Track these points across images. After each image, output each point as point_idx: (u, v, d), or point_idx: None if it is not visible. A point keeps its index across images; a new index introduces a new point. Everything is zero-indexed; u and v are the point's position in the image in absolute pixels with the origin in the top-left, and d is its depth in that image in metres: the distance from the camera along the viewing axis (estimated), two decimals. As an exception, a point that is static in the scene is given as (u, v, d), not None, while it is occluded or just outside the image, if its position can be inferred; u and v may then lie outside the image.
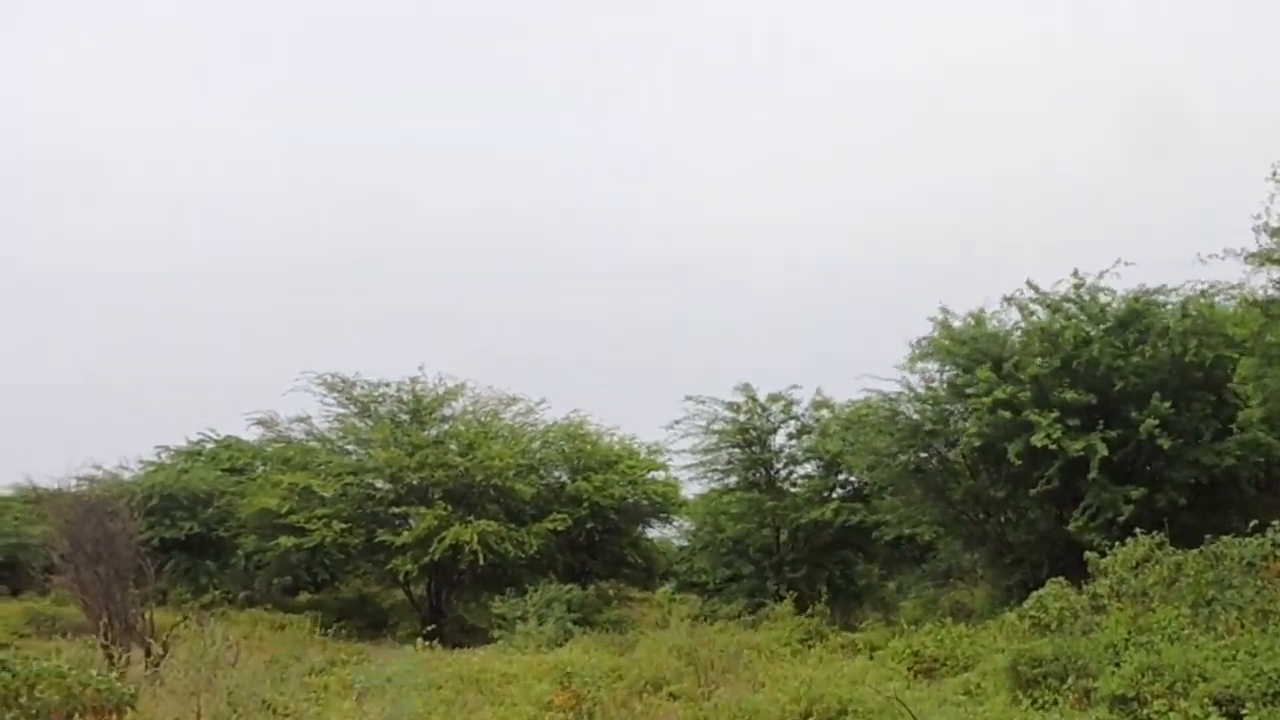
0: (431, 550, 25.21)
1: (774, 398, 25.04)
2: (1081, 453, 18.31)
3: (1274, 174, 14.61)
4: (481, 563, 25.15)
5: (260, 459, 33.08)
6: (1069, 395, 18.70)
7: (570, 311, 61.20)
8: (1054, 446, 18.34)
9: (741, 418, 25.00)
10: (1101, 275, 19.86)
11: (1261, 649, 10.98)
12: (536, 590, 23.42)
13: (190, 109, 67.71)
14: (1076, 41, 62.86)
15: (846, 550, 25.50)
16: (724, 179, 67.53)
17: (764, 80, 68.44)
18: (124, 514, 19.89)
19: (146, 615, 18.25)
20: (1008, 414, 18.82)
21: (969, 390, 19.72)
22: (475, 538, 25.04)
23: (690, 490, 29.42)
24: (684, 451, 26.43)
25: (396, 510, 26.88)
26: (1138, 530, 15.62)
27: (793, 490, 25.59)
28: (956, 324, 20.92)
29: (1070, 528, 18.79)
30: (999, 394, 18.89)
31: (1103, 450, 18.22)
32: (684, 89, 69.47)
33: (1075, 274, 20.02)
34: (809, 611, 20.88)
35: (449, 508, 26.01)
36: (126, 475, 31.26)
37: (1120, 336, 19.33)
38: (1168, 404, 18.32)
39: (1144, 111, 56.09)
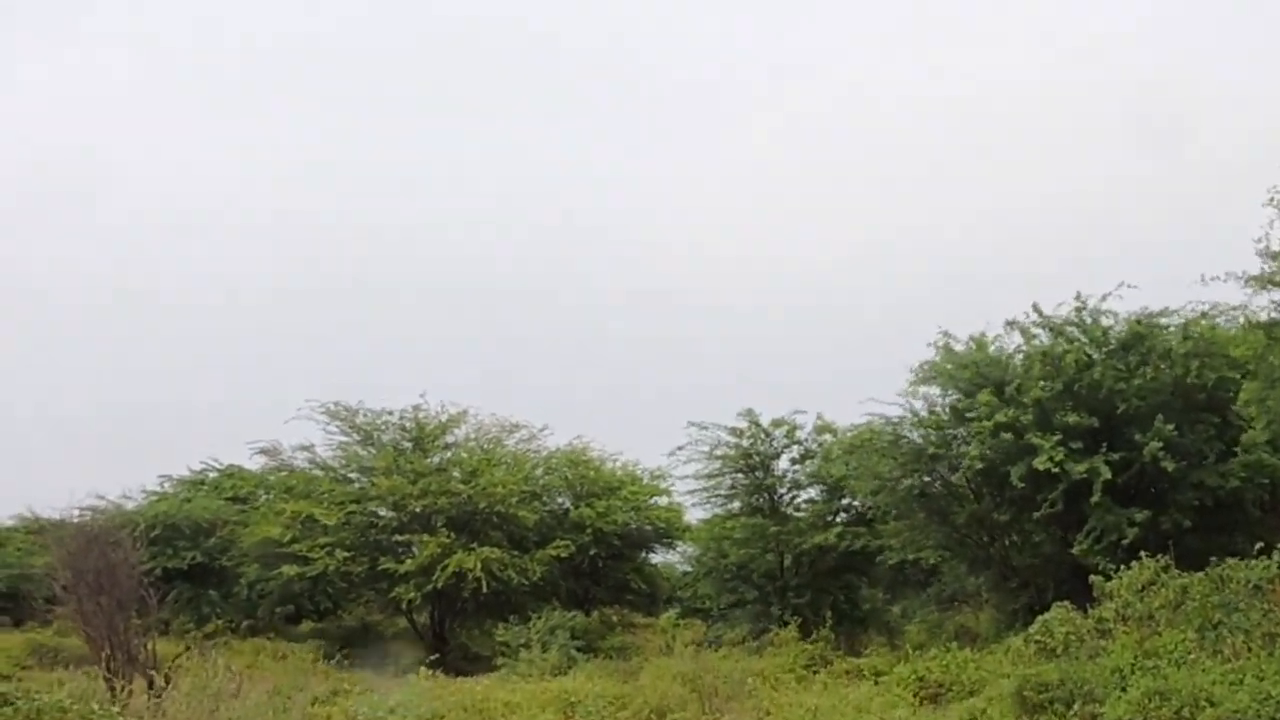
0: (435, 578, 25.15)
1: (777, 423, 25.00)
2: (1084, 475, 18.26)
3: (1271, 199, 14.64)
4: (485, 590, 25.10)
5: (263, 488, 33.07)
6: (1071, 418, 18.66)
7: (571, 337, 61.31)
8: (1057, 469, 18.28)
9: (745, 443, 24.94)
10: (1104, 298, 19.88)
11: (1269, 673, 10.93)
12: (540, 617, 23.34)
13: (195, 133, 68.05)
14: (1081, 60, 63.11)
15: (851, 575, 25.40)
16: (727, 201, 67.69)
17: (764, 104, 68.65)
18: (126, 544, 19.87)
19: (149, 645, 18.20)
20: (1010, 437, 18.79)
21: (970, 414, 19.70)
22: (478, 565, 24.99)
23: (693, 515, 29.36)
24: (687, 477, 26.39)
25: (399, 538, 26.80)
26: (1143, 553, 15.57)
27: (796, 515, 25.49)
28: (958, 348, 20.92)
29: (1075, 551, 18.72)
30: (1000, 417, 18.86)
31: (1106, 473, 18.17)
32: (684, 115, 69.79)
33: (1078, 297, 20.05)
34: (813, 637, 20.78)
35: (452, 535, 25.96)
36: (130, 505, 31.26)
37: (1123, 359, 19.31)
38: (1171, 426, 18.28)
39: (1149, 126, 56.28)
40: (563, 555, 27.10)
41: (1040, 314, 20.14)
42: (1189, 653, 12.53)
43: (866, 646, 21.77)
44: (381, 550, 26.75)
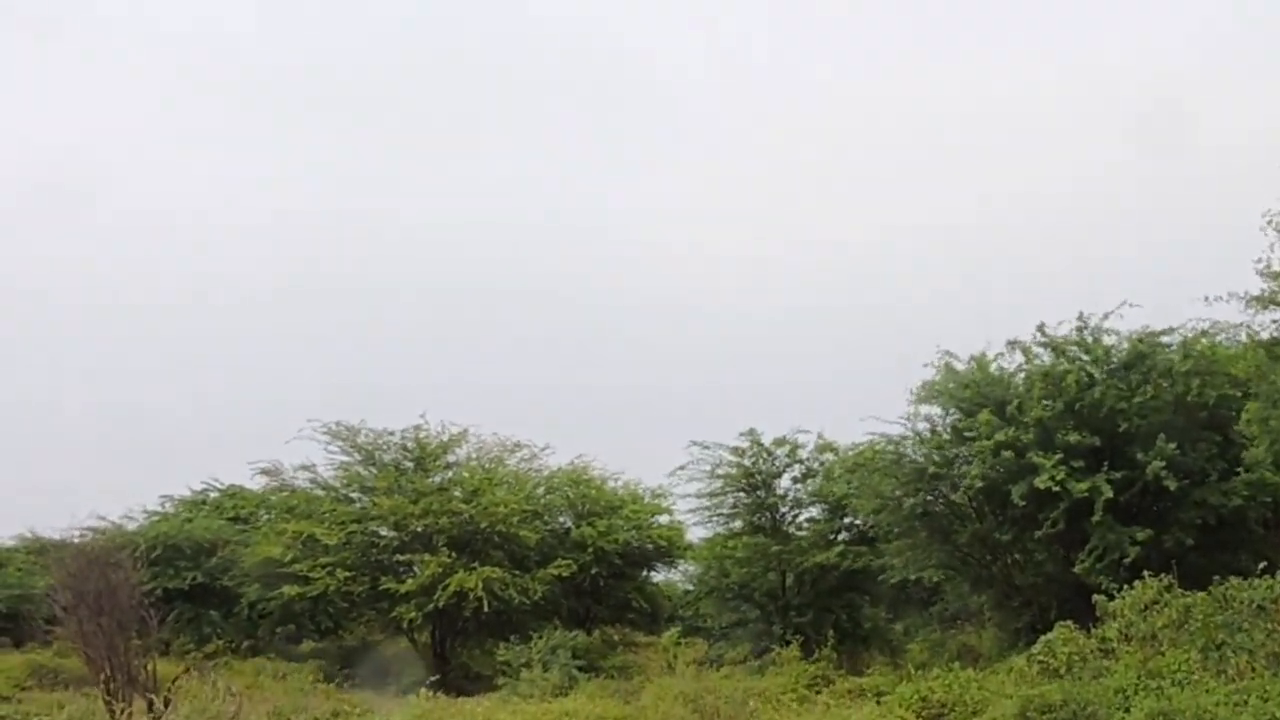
0: (436, 597, 25.11)
1: (779, 442, 24.97)
2: (1086, 494, 18.22)
3: (1270, 222, 14.66)
4: (486, 609, 25.03)
5: (264, 508, 33.09)
6: (1073, 437, 18.64)
7: (569, 353, 61.33)
8: (1058, 488, 18.26)
9: (746, 462, 24.91)
10: (1106, 317, 19.90)
11: (1273, 694, 10.90)
12: (541, 637, 23.26)
13: (191, 145, 68.25)
14: (1080, 60, 63.26)
15: (853, 593, 25.32)
16: (718, 212, 67.87)
17: (764, 110, 68.84)
18: (127, 565, 19.87)
19: (149, 666, 18.18)
20: (1010, 456, 18.77)
21: (970, 434, 19.69)
22: (479, 584, 24.93)
23: (695, 534, 29.32)
24: (688, 496, 26.36)
25: (401, 558, 26.78)
26: (1145, 572, 15.55)
27: (798, 534, 25.45)
28: (959, 367, 20.93)
29: (1077, 570, 18.68)
30: (1001, 436, 18.85)
31: (1107, 491, 18.14)
32: (684, 123, 69.91)
33: (1080, 316, 20.06)
34: (815, 656, 20.71)
35: (453, 555, 25.91)
36: (131, 525, 31.26)
37: (1124, 378, 19.31)
38: (1173, 445, 18.25)
39: (1149, 128, 56.37)
40: (564, 574, 27.03)
41: (1043, 333, 20.15)
42: (1193, 673, 12.51)
43: (869, 665, 21.69)
44: (383, 570, 26.70)
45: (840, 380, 48.46)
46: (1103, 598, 15.58)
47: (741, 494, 25.42)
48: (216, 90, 68.38)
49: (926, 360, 21.10)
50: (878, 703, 15.74)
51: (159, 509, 33.31)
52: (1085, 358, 19.78)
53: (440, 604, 25.13)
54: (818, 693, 17.78)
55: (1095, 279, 50.01)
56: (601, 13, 69.14)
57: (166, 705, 15.13)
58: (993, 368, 20.80)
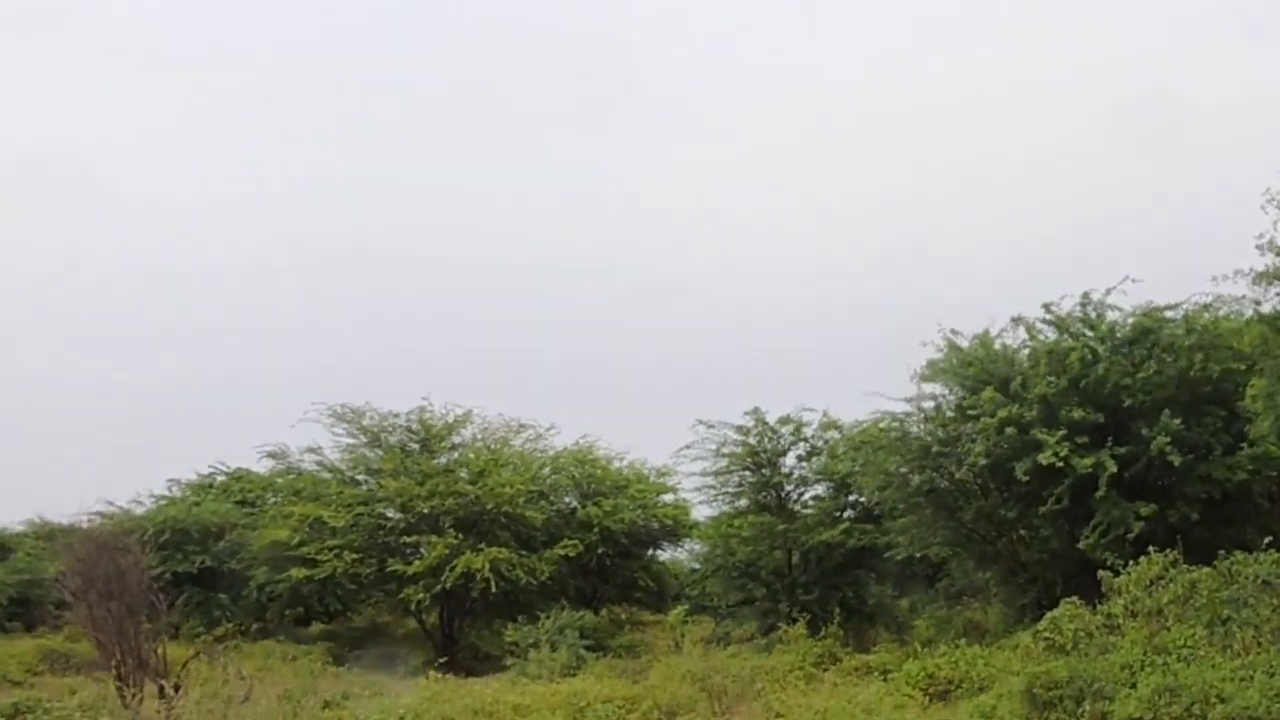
0: (443, 579, 25.23)
1: (783, 420, 24.98)
2: (1090, 470, 18.24)
3: (1271, 200, 14.58)
4: (493, 590, 25.16)
5: (271, 491, 33.19)
6: (1077, 414, 18.64)
7: (574, 333, 61.22)
8: (1062, 465, 18.29)
9: (751, 441, 24.93)
10: (1108, 292, 19.86)
11: (1279, 668, 10.91)
12: (549, 617, 23.37)
13: (190, 132, 68.09)
14: (1071, 44, 62.93)
15: (859, 571, 25.36)
16: (721, 196, 67.62)
17: (760, 91, 68.50)
18: (135, 549, 20.02)
19: (159, 650, 18.31)
20: (1014, 433, 18.78)
21: (974, 411, 19.69)
22: (486, 565, 25.05)
23: (700, 512, 29.38)
24: (693, 475, 26.41)
25: (408, 539, 26.87)
26: (1150, 547, 15.56)
27: (804, 512, 25.51)
28: (963, 343, 20.89)
29: (1081, 545, 18.71)
30: (1004, 414, 18.85)
31: (1112, 467, 18.17)
32: (680, 105, 69.55)
33: (1084, 296, 20.02)
34: (822, 634, 20.78)
35: (460, 536, 26.02)
36: (138, 510, 31.40)
37: (1128, 354, 19.29)
38: (1177, 420, 18.26)
39: (1141, 111, 56.12)
40: (570, 554, 27.15)
41: (1048, 310, 20.12)
42: (1198, 648, 12.53)
43: (875, 642, 21.76)
44: (390, 552, 26.82)
45: (843, 355, 48.46)
46: (1108, 573, 15.59)
47: (747, 472, 25.45)
48: (218, 83, 68.09)
49: (928, 339, 21.13)
50: (884, 680, 15.82)
51: (166, 493, 33.48)
52: (1089, 334, 19.75)
53: (448, 585, 25.25)
54: (825, 670, 17.86)
55: (1102, 257, 50.00)
56: (604, 11, 68.79)
57: (177, 689, 15.22)
58: (996, 345, 20.77)
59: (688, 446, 25.30)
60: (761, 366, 51.35)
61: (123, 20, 67.18)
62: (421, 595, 25.72)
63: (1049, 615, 15.47)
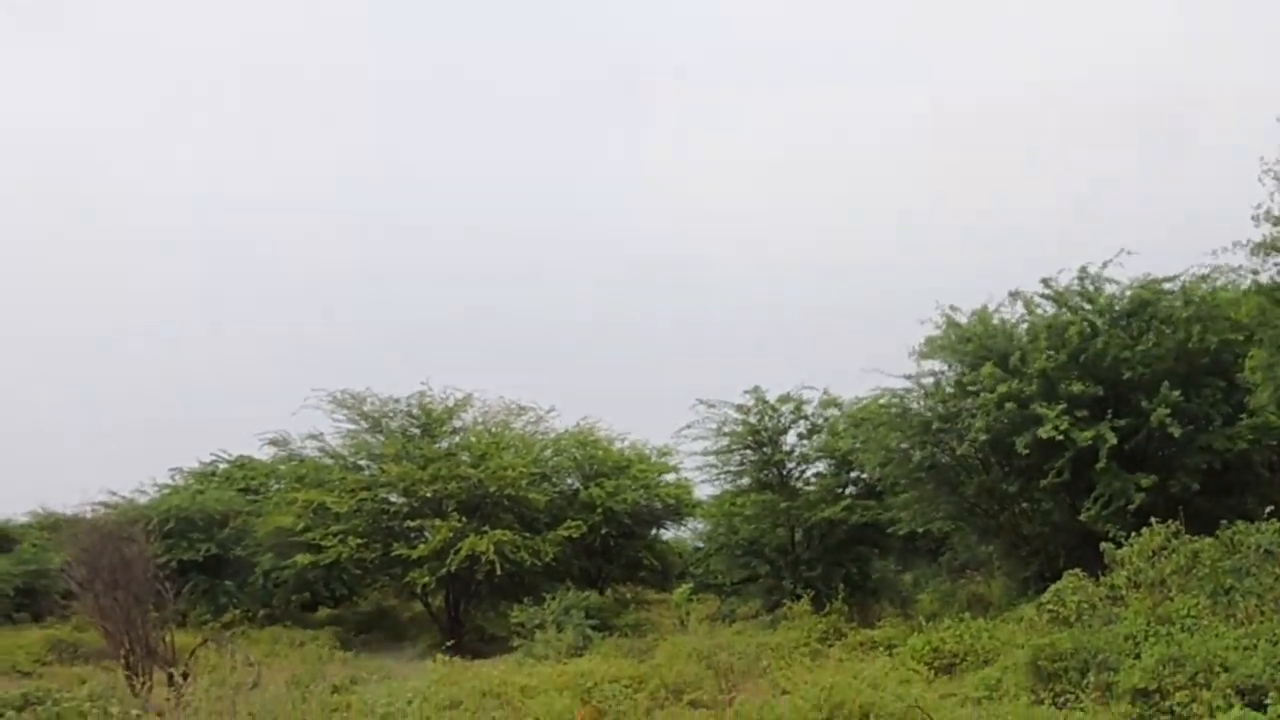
0: (448, 562, 25.32)
1: (783, 398, 25.04)
2: (1090, 443, 18.30)
3: (1268, 171, 14.55)
4: (498, 572, 25.27)
5: (274, 478, 33.26)
6: (1076, 387, 18.69)
7: (572, 314, 61.18)
8: (1062, 438, 18.34)
9: (752, 419, 25.00)
10: (1105, 265, 19.87)
11: (1282, 636, 10.96)
12: (554, 598, 23.46)
13: (190, 124, 67.89)
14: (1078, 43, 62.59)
15: (862, 546, 25.48)
16: (722, 174, 67.44)
17: (767, 70, 68.21)
18: (140, 538, 20.02)
19: (167, 638, 18.37)
20: (1014, 408, 18.82)
21: (973, 387, 19.72)
22: (491, 548, 25.14)
23: (703, 491, 29.48)
24: (694, 454, 26.50)
25: (411, 524, 26.97)
26: (1152, 518, 15.61)
27: (806, 489, 25.60)
28: (962, 319, 20.91)
29: (1082, 517, 18.80)
30: (1004, 389, 18.89)
31: (1112, 439, 18.22)
32: (684, 83, 69.32)
33: (1082, 270, 20.03)
34: (827, 610, 20.88)
35: (463, 519, 26.11)
36: (142, 499, 31.46)
37: (1127, 327, 19.31)
38: (1177, 392, 18.31)
39: (1145, 114, 55.96)
40: (574, 535, 27.24)
41: (1047, 284, 20.12)
42: (1202, 618, 12.59)
43: (880, 617, 21.86)
44: (394, 536, 26.91)
45: (843, 334, 48.43)
46: (1110, 545, 15.66)
47: (748, 451, 25.54)
48: (220, 72, 67.76)
49: (926, 317, 21.15)
50: (889, 654, 15.91)
51: (169, 482, 33.55)
52: (1088, 307, 19.76)
53: (452, 568, 25.33)
54: (830, 646, 17.95)
55: (1100, 232, 49.91)
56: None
57: (186, 677, 15.28)
58: (994, 320, 20.78)
59: (688, 426, 25.44)
60: (761, 344, 51.37)
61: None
62: (427, 579, 25.81)
63: (1052, 587, 15.56)
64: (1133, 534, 15.53)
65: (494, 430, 29.03)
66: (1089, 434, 18.36)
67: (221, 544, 30.12)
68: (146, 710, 12.93)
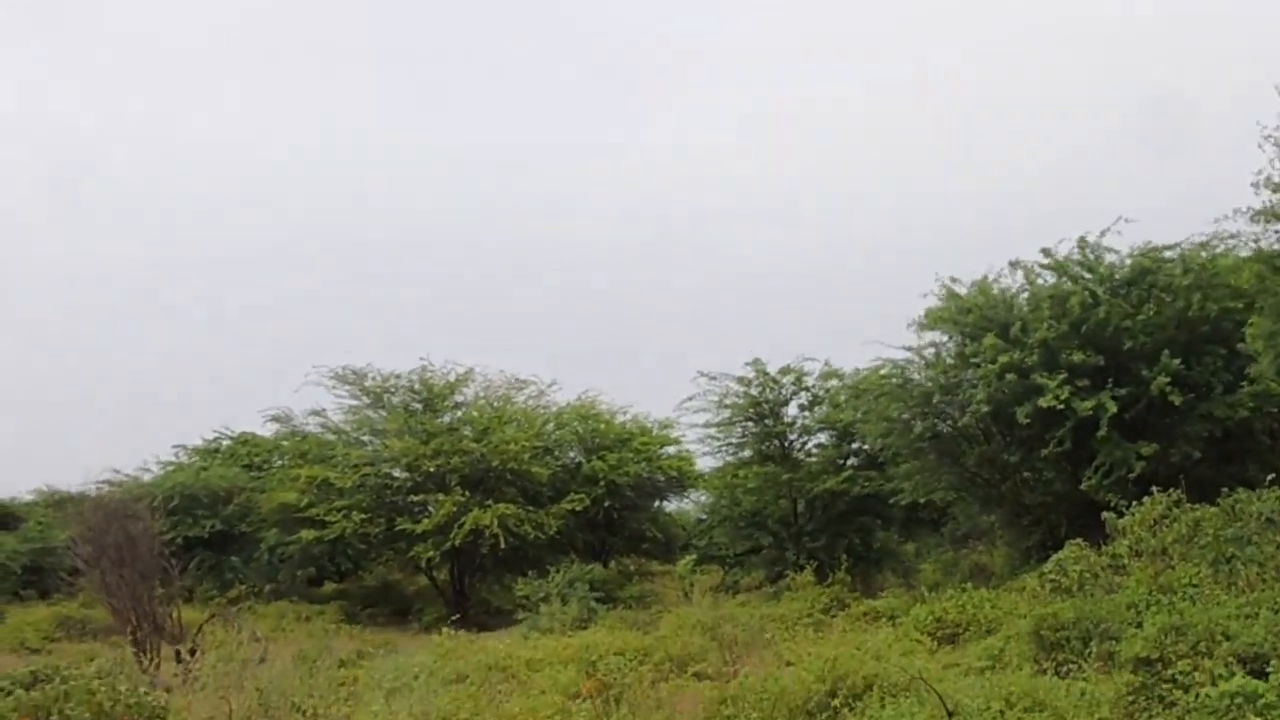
0: (452, 536, 25.43)
1: (785, 370, 25.07)
2: (1091, 412, 18.32)
3: (1268, 138, 14.48)
4: (502, 546, 25.39)
5: (277, 454, 33.34)
6: (1077, 357, 18.70)
7: (571, 289, 61.21)
8: (1063, 407, 18.36)
9: (753, 391, 25.02)
10: (1103, 234, 19.83)
11: (1283, 605, 10.98)
12: (558, 570, 23.51)
13: (196, 103, 67.58)
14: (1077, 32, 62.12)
15: (864, 517, 25.56)
16: (721, 150, 67.22)
17: (765, 50, 67.83)
18: (145, 516, 20.14)
19: (174, 614, 18.49)
20: (1015, 378, 18.83)
21: (975, 360, 19.71)
22: (495, 521, 25.25)
23: (704, 464, 29.55)
24: (696, 426, 26.56)
25: (415, 498, 27.08)
26: (1153, 487, 15.62)
27: (808, 460, 25.66)
28: (961, 291, 20.87)
29: (1084, 486, 18.84)
30: (1004, 360, 18.89)
31: (1112, 408, 18.24)
32: (680, 63, 68.98)
33: (1081, 239, 19.99)
34: (829, 580, 20.98)
35: (467, 493, 26.20)
36: (146, 477, 31.56)
37: (1127, 296, 19.28)
38: (1178, 360, 18.31)
39: (1146, 106, 55.55)
40: (577, 508, 27.35)
41: (1047, 254, 20.07)
42: (1203, 587, 12.58)
43: (883, 587, 21.96)
44: (398, 511, 27.01)
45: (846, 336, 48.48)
46: (1112, 515, 15.68)
47: (749, 423, 25.57)
48: (223, 52, 67.41)
49: (927, 291, 21.12)
50: (892, 625, 15.96)
51: (173, 459, 33.65)
52: (1088, 276, 19.72)
53: (457, 542, 25.44)
54: (833, 617, 17.98)
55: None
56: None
57: (193, 653, 15.37)
58: (994, 290, 20.74)
59: (690, 399, 25.45)
60: (761, 317, 51.36)
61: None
62: (431, 553, 25.95)
63: (1054, 557, 15.58)
64: (1134, 503, 15.55)
65: (496, 405, 29.10)
66: (1090, 403, 18.38)
67: (226, 520, 30.28)
68: (154, 686, 13.05)
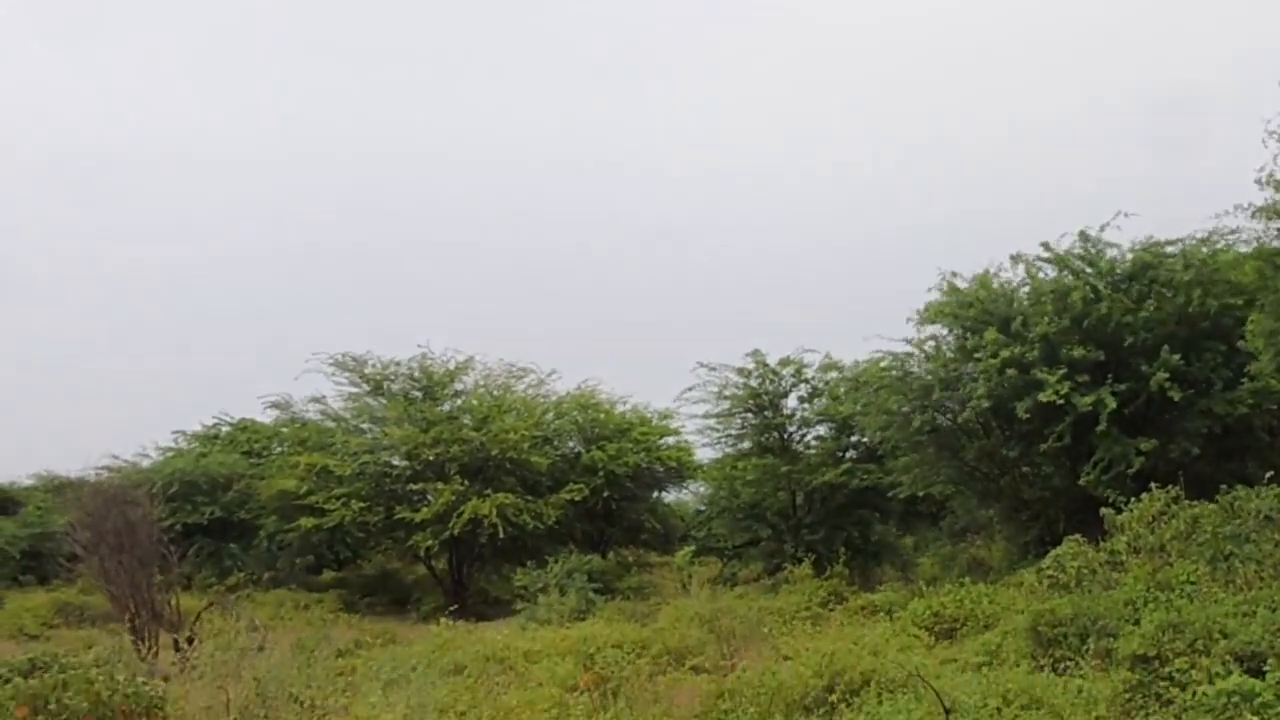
0: (451, 525, 25.42)
1: (784, 362, 25.06)
2: (1091, 408, 18.33)
3: (1271, 134, 14.42)
4: (501, 535, 25.39)
5: (277, 441, 33.35)
6: (1078, 352, 18.70)
7: (572, 281, 61.18)
8: (1063, 402, 18.36)
9: (753, 383, 25.02)
10: (1103, 229, 19.82)
11: (1281, 603, 10.98)
12: (557, 561, 23.53)
13: (198, 96, 67.42)
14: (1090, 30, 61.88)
15: (863, 510, 25.58)
16: (721, 142, 67.07)
17: (770, 40, 67.67)
18: (144, 502, 20.13)
19: (172, 601, 18.50)
20: (1015, 373, 18.82)
21: (976, 355, 19.70)
22: (494, 511, 25.24)
23: (704, 455, 29.57)
24: (695, 417, 26.55)
25: (414, 487, 27.05)
26: (1152, 483, 15.62)
27: (807, 453, 25.66)
28: (962, 285, 20.85)
29: (1082, 481, 18.86)
30: (1005, 354, 18.88)
31: (1112, 404, 18.24)
32: (686, 52, 68.79)
33: (1082, 233, 19.96)
34: (828, 573, 20.99)
35: (466, 482, 26.18)
36: (146, 463, 31.57)
37: (1128, 290, 19.27)
38: (1177, 356, 18.31)
39: (1160, 105, 55.41)
40: (576, 499, 27.34)
41: (1048, 248, 20.04)
42: (1201, 584, 12.58)
43: (881, 580, 21.97)
44: (397, 499, 27.01)
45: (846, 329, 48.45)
46: (1110, 511, 15.67)
47: (749, 414, 25.58)
48: (235, 61, 67.30)
49: (930, 284, 21.11)
50: (890, 619, 15.96)
51: (172, 445, 33.65)
52: (1089, 271, 19.69)
53: (455, 531, 25.44)
54: (831, 610, 18.00)
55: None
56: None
57: (191, 640, 15.38)
58: (995, 284, 20.72)
59: (690, 389, 25.45)
60: (762, 310, 51.32)
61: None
62: (430, 542, 25.93)
63: (1052, 553, 15.57)
64: (1133, 499, 15.53)
65: (495, 393, 29.07)
66: (1089, 399, 18.38)
67: (225, 507, 30.27)
68: (152, 674, 13.07)
